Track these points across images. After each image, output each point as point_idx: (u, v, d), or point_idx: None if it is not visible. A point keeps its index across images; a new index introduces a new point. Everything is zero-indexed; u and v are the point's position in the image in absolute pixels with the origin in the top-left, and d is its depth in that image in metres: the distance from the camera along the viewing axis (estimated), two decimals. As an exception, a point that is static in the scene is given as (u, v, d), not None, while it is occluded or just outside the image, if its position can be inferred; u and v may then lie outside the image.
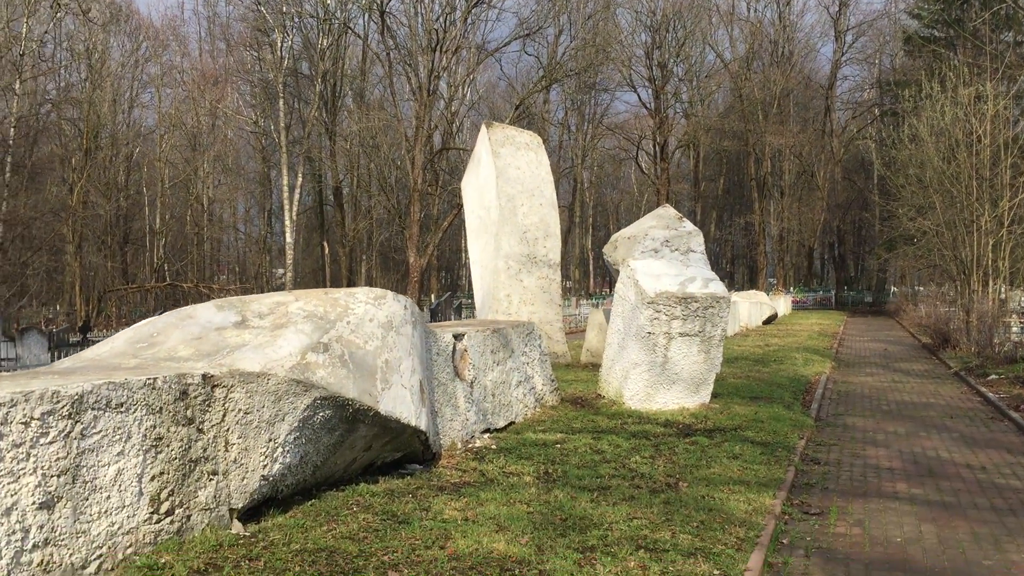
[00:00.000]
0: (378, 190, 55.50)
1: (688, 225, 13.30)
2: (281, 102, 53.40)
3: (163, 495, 5.08)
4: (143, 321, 6.51)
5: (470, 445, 8.81)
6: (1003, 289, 23.51)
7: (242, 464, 5.66)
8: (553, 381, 11.69)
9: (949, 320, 24.35)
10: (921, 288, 47.52)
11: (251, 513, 5.92)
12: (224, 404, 5.54)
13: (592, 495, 6.81)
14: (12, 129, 34.69)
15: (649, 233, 13.03)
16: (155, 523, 5.03)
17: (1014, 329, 21.66)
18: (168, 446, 5.14)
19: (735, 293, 39.26)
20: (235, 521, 5.60)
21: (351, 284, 63.12)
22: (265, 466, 5.83)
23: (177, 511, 5.18)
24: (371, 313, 6.97)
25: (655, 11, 60.04)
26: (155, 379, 5.08)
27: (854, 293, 65.25)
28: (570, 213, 69.39)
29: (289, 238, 52.96)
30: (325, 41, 55.42)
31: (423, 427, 7.37)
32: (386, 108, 55.66)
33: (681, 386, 11.29)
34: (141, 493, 4.96)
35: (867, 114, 64.05)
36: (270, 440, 5.85)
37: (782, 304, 45.08)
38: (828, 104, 64.70)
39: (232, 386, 5.59)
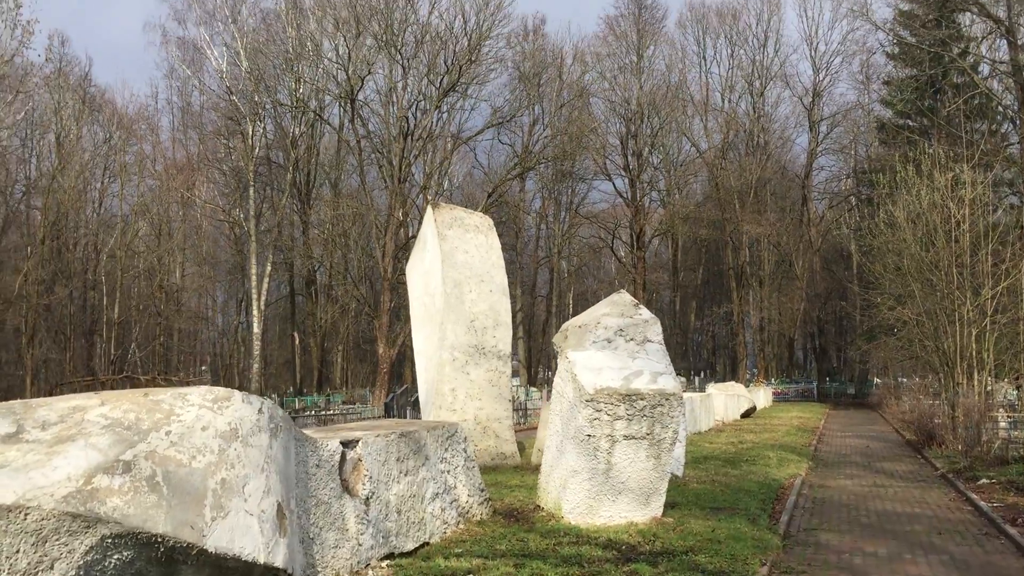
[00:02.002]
0: (348, 280, 54.17)
1: (645, 313, 11.95)
2: (252, 190, 52.50)
3: None
4: None
5: (360, 577, 7.25)
6: (989, 382, 22.18)
7: (-23, 634, 4.13)
8: (483, 491, 10.15)
9: (934, 415, 22.93)
10: (904, 380, 46.23)
11: None
12: (-53, 552, 4.05)
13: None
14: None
15: (602, 321, 11.66)
16: None
17: (1002, 424, 20.24)
18: None
19: (712, 385, 37.80)
20: None
21: (322, 376, 61.38)
22: (19, 633, 4.30)
23: None
24: (206, 420, 5.52)
25: (629, 100, 60.04)
26: None
27: (836, 384, 63.82)
28: (547, 303, 68.26)
29: (256, 328, 51.42)
30: (298, 129, 54.91)
31: (279, 563, 5.84)
32: (359, 198, 54.88)
33: (628, 497, 9.77)
34: None
35: (844, 204, 63.73)
36: (28, 597, 4.34)
37: (762, 396, 43.62)
38: (805, 193, 64.40)
39: (-37, 526, 4.11)
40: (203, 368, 67.08)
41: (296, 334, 61.74)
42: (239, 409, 5.78)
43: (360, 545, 7.47)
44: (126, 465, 4.90)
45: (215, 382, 62.98)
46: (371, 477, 7.75)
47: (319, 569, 6.85)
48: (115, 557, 4.74)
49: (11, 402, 5.18)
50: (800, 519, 11.50)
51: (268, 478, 5.89)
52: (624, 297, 12.61)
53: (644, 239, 62.22)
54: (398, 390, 28.46)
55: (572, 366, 10.00)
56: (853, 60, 62.71)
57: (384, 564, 7.71)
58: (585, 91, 57.68)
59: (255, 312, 50.57)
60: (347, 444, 7.49)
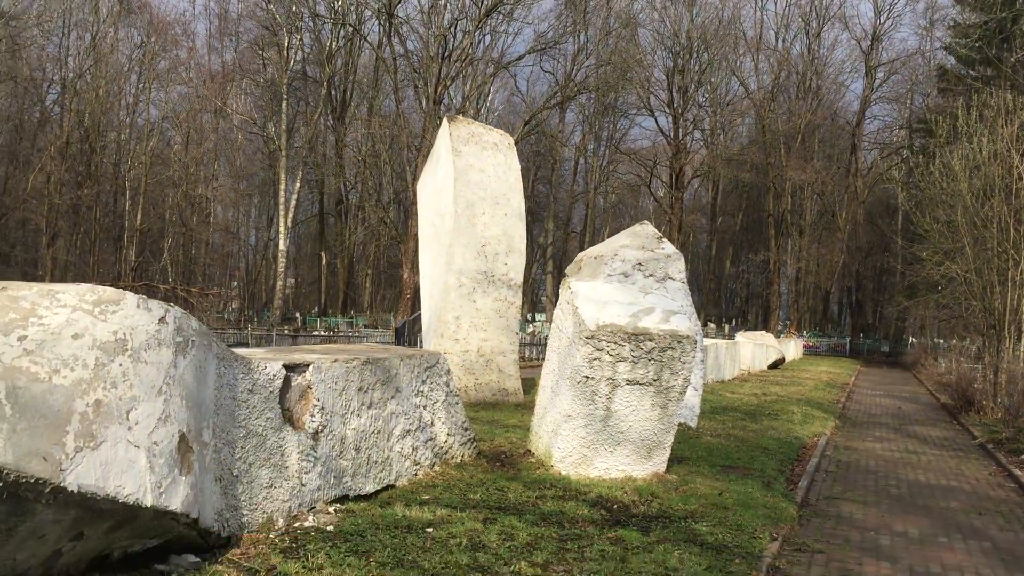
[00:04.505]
0: (378, 202, 53.05)
1: (668, 247, 10.67)
2: (285, 104, 51.38)
3: None
4: None
5: (297, 524, 6.19)
6: (1037, 348, 20.67)
7: None
8: (467, 431, 9.06)
9: (973, 379, 21.53)
10: (942, 341, 44.52)
11: None
12: None
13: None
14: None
15: (620, 253, 10.40)
16: None
17: (1049, 394, 18.81)
18: None
19: (741, 333, 36.42)
20: None
21: (347, 298, 60.76)
22: None
23: None
24: (80, 326, 4.39)
25: (678, 33, 57.58)
26: None
27: (870, 341, 62.12)
28: (581, 239, 66.77)
29: (282, 245, 50.76)
30: (335, 44, 53.41)
31: (175, 506, 4.77)
32: (394, 119, 53.41)
33: (627, 449, 8.63)
34: None
35: (895, 155, 61.16)
36: None
37: (792, 348, 42.19)
38: (854, 142, 61.87)
39: None
40: (234, 283, 66.73)
41: (324, 254, 61.01)
42: (131, 316, 4.65)
43: (303, 485, 6.40)
44: (-49, 376, 3.80)
45: (242, 298, 62.72)
46: (322, 408, 6.64)
47: (244, 512, 5.79)
48: (-71, 492, 3.67)
49: None
50: (821, 485, 10.32)
51: (168, 403, 4.78)
52: (647, 228, 11.31)
53: (684, 180, 60.22)
54: (411, 317, 27.47)
55: (574, 297, 8.80)
56: (918, 2, 59.60)
57: (332, 508, 6.65)
58: (633, 20, 55.31)
59: (282, 229, 49.82)
60: (292, 368, 6.37)
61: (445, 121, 15.52)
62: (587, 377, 8.39)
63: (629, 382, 8.35)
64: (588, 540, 6.35)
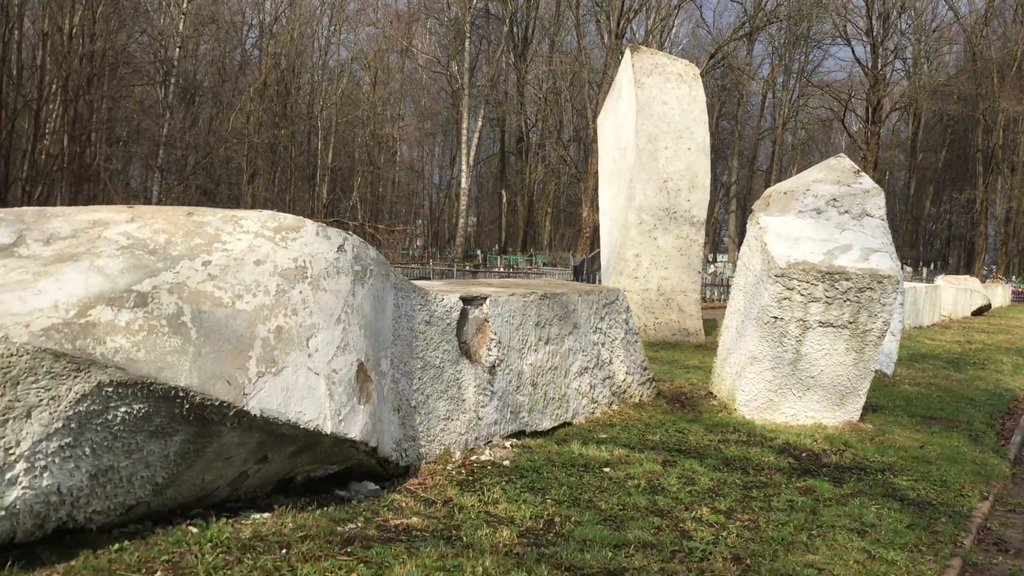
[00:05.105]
0: (558, 140, 52.83)
1: (866, 181, 9.91)
2: (468, 43, 51.69)
3: None
4: None
5: (473, 457, 6.16)
6: None
7: (-82, 489, 3.26)
8: (646, 370, 8.80)
9: None
10: None
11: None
12: None
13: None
14: (178, 49, 34.35)
15: (812, 188, 9.75)
16: None
17: None
18: None
19: (942, 277, 34.13)
20: None
21: (527, 236, 61.28)
22: (-19, 491, 3.42)
23: None
24: (262, 252, 4.41)
25: (880, -45, 53.71)
26: None
27: (1091, 289, 56.98)
28: (767, 177, 64.31)
29: (464, 183, 51.54)
30: (516, -21, 53.13)
31: (354, 434, 4.78)
32: (575, 56, 52.76)
33: (818, 395, 8.12)
34: None
35: None
36: (-7, 449, 3.43)
37: (999, 294, 39.22)
38: (1080, 69, 56.18)
39: None
40: (418, 221, 68.60)
41: (504, 192, 61.65)
42: (311, 244, 4.63)
43: (480, 419, 6.35)
44: (140, 298, 3.87)
45: (426, 235, 64.47)
46: (499, 342, 6.54)
47: (422, 443, 5.79)
48: (122, 410, 3.78)
49: (25, 208, 4.27)
50: (1036, 442, 9.42)
51: (346, 331, 4.77)
52: (843, 162, 10.54)
53: (881, 113, 56.65)
54: (589, 255, 27.25)
55: (763, 233, 8.29)
56: None
57: (508, 443, 6.58)
58: (830, -58, 52.03)
59: (463, 167, 50.54)
60: (469, 301, 6.28)
61: (628, 52, 15.01)
62: (775, 318, 7.91)
63: (821, 324, 7.82)
64: (775, 489, 5.99)
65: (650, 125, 14.36)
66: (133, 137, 39.74)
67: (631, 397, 8.50)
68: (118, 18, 33.78)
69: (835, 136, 71.18)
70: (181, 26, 38.01)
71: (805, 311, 7.80)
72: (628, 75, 14.77)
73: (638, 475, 6.07)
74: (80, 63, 30.44)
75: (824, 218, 8.97)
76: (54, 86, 30.94)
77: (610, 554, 4.47)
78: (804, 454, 7.13)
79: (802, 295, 7.78)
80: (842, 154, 11.08)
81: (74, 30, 29.92)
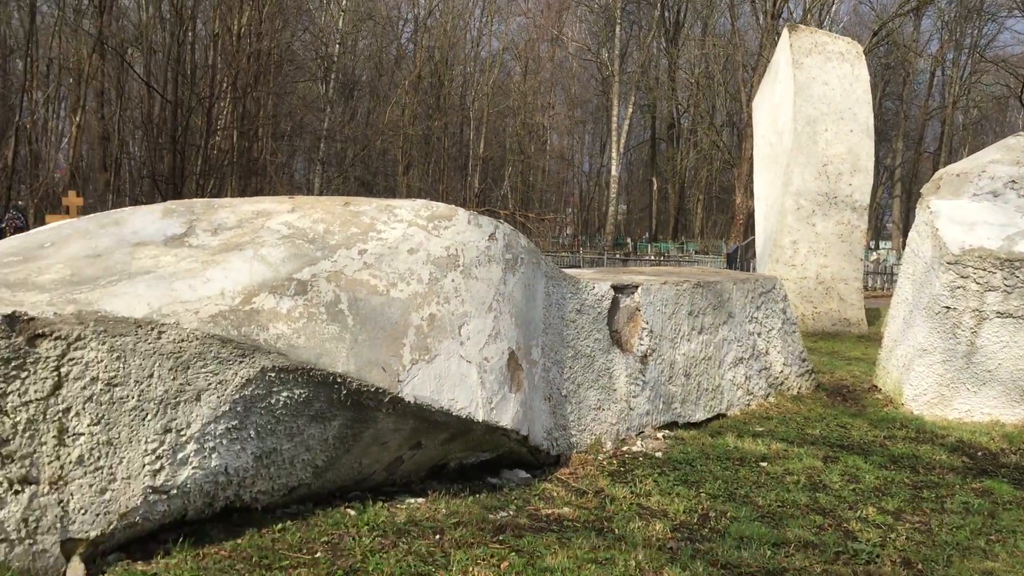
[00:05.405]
0: (711, 125, 51.70)
1: (1049, 161, 9.23)
2: (618, 28, 51.24)
3: None
4: (52, 224, 4.51)
5: (625, 448, 6.07)
6: None
7: (100, 467, 3.46)
8: (805, 361, 8.47)
9: None
10: None
11: (137, 546, 3.76)
12: (58, 369, 3.36)
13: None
14: (338, 45, 35.50)
15: (988, 169, 9.14)
16: None
17: None
18: None
19: None
20: (75, 562, 3.44)
21: (678, 223, 60.37)
22: (157, 471, 3.60)
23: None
24: (415, 241, 4.47)
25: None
26: None
27: None
28: (935, 159, 60.91)
29: (614, 171, 51.23)
30: (668, -39, 52.26)
31: (505, 422, 4.79)
32: (729, 39, 51.44)
33: (995, 390, 7.60)
34: None
35: None
36: (167, 431, 3.62)
37: None
38: None
39: (79, 339, 3.39)
40: (568, 209, 68.68)
41: (655, 179, 60.87)
42: (462, 232, 4.66)
43: (631, 409, 6.26)
44: (300, 285, 3.99)
45: (576, 224, 64.46)
46: (651, 331, 6.43)
47: (573, 432, 5.76)
48: (284, 395, 3.91)
49: (195, 200, 4.47)
50: None
51: (498, 319, 4.78)
52: (1022, 141, 9.84)
53: (1064, 89, 52.60)
54: (743, 243, 26.55)
55: (934, 218, 7.81)
56: None
57: (660, 434, 6.46)
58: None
59: (613, 155, 50.21)
60: (620, 290, 6.19)
61: (785, 31, 14.49)
62: (947, 308, 7.45)
63: (1000, 315, 7.31)
64: (948, 489, 5.64)
65: (809, 107, 13.82)
66: (296, 131, 41.43)
67: (789, 389, 8.20)
68: (282, 17, 35.28)
69: (1011, 115, 66.57)
70: (341, 23, 39.34)
71: (981, 301, 7.31)
72: (785, 56, 14.25)
73: (797, 471, 5.84)
74: (248, 62, 31.94)
75: (1002, 201, 8.39)
76: (224, 84, 32.60)
77: (769, 553, 4.31)
78: (980, 453, 6.69)
79: (978, 283, 7.29)
80: (1021, 132, 10.33)
81: (242, 30, 31.41)
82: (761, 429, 6.97)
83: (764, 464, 5.97)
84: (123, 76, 35.29)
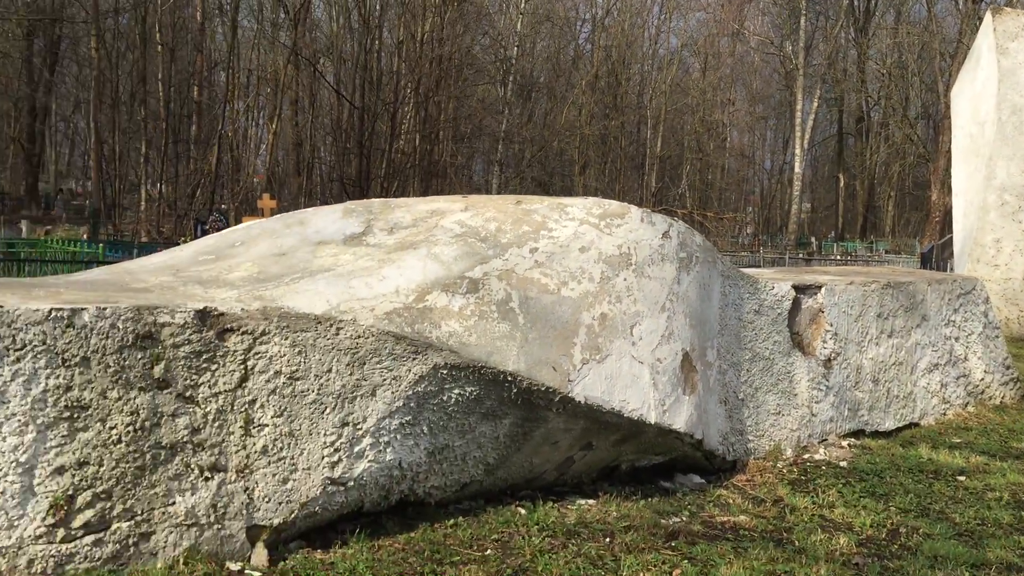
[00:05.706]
0: (904, 118, 49.03)
1: None
2: (803, 20, 49.44)
3: (80, 501, 3.23)
4: (245, 223, 4.72)
5: (806, 456, 5.80)
6: None
7: (283, 458, 3.61)
8: (1009, 368, 7.84)
9: None
10: None
11: (312, 537, 3.89)
12: (244, 362, 3.51)
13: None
14: (516, 48, 35.96)
15: None
16: (59, 542, 3.20)
17: None
18: (101, 422, 3.26)
19: None
20: (259, 548, 3.59)
21: (867, 222, 57.63)
22: (335, 463, 3.72)
23: (114, 527, 3.30)
24: (587, 239, 4.41)
25: None
26: (74, 311, 3.20)
27: None
28: None
29: (798, 168, 49.48)
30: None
31: (678, 426, 4.66)
32: (925, 26, 48.67)
33: None
34: (29, 497, 3.15)
35: None
36: (345, 424, 3.72)
37: None
38: None
39: (264, 334, 3.54)
40: (748, 208, 66.92)
41: (842, 176, 58.31)
42: (635, 230, 4.57)
43: (813, 415, 5.97)
44: (472, 284, 4.01)
45: (757, 223, 62.68)
46: (835, 333, 6.10)
47: (750, 438, 5.54)
48: (455, 392, 3.95)
49: (373, 200, 4.59)
50: None
51: (671, 319, 4.66)
52: None
53: None
54: (939, 241, 24.98)
55: None
56: None
57: (846, 443, 6.13)
58: None
59: (797, 151, 48.49)
60: (802, 290, 5.92)
61: (988, 14, 13.49)
62: None
63: None
64: None
65: (1015, 95, 12.81)
66: (475, 133, 42.38)
67: (990, 398, 7.61)
68: (463, 22, 36.19)
69: None
70: (519, 25, 39.90)
71: None
72: (988, 41, 13.28)
73: (1000, 486, 5.40)
74: (430, 67, 32.98)
75: None
76: (408, 89, 33.78)
77: (967, 574, 3.99)
78: None
79: None
80: None
81: (425, 36, 32.44)
82: (959, 440, 6.49)
83: (962, 478, 5.55)
84: (315, 85, 37.19)
